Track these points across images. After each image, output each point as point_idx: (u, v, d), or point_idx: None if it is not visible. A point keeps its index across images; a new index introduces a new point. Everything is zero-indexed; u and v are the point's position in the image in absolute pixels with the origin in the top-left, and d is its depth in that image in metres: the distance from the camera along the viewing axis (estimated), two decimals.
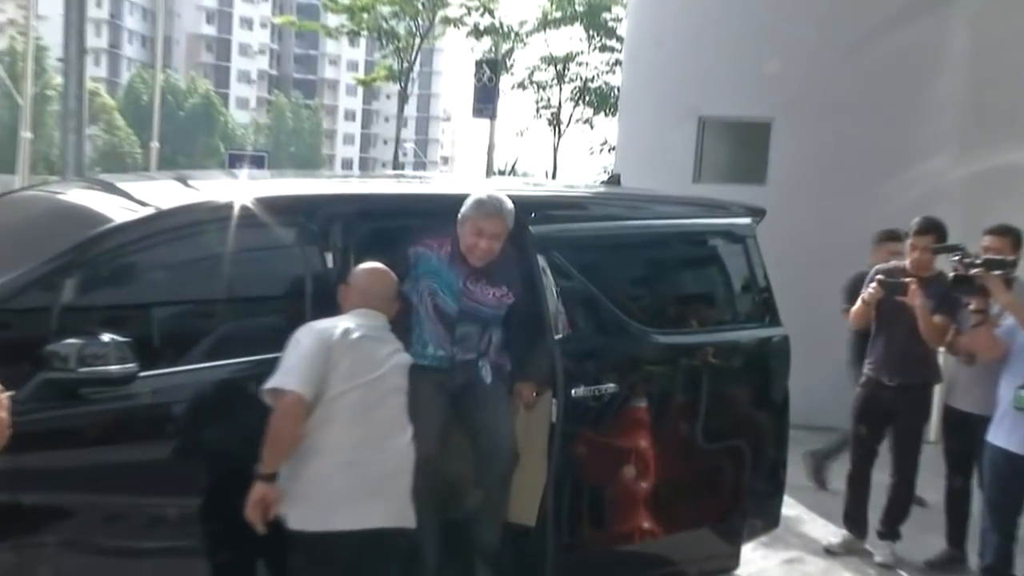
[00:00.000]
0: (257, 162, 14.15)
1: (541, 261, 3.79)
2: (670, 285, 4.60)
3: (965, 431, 4.97)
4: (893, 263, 5.29)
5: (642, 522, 4.06)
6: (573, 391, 3.73)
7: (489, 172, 20.98)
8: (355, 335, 3.17)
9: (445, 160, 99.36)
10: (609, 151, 27.94)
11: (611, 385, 3.85)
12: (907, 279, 5.03)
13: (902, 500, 5.27)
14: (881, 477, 5.32)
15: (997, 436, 4.58)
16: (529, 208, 3.89)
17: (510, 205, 3.67)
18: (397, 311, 3.43)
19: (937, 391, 5.45)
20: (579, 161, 62.72)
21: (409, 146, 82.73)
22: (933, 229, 5.09)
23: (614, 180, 5.23)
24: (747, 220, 4.63)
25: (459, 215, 3.66)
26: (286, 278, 3.52)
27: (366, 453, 3.12)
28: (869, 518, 5.37)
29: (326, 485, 3.07)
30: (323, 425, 3.09)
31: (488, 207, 3.62)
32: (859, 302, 5.23)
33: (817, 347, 7.76)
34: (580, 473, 3.87)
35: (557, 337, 3.76)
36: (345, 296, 3.35)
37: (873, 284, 5.12)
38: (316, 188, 4.08)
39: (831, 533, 5.58)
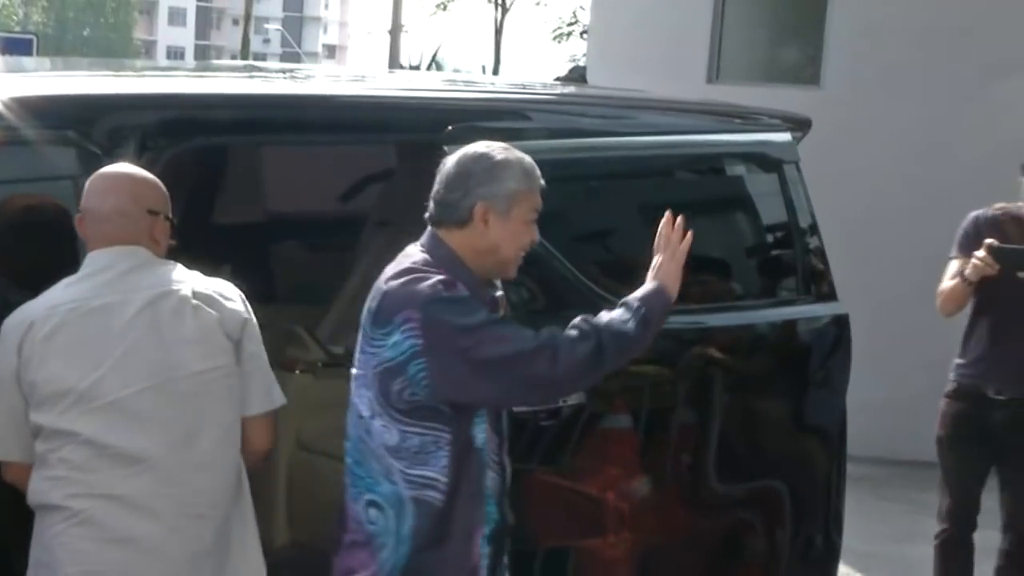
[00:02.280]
0: (21, 48, 13.94)
1: None
2: None
3: None
4: (1000, 207, 5.19)
5: None
6: None
7: (393, 65, 20.89)
8: (44, 329, 3.01)
9: (329, 50, 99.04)
10: (581, 35, 28.03)
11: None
12: None
13: (1020, 571, 5.33)
14: (986, 537, 5.37)
15: None
16: (447, 118, 3.91)
17: None
18: (168, 242, 3.22)
19: None
20: (535, 50, 62.67)
21: (273, 29, 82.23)
22: None
23: (577, 76, 5.23)
24: (784, 136, 4.65)
25: (485, 191, 3.31)
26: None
27: (100, 504, 3.03)
28: None
29: (60, 550, 3.04)
30: (39, 465, 3.08)
31: (535, 170, 3.43)
32: (950, 278, 5.12)
33: (894, 337, 7.93)
34: (522, 535, 3.81)
35: None
36: (81, 229, 3.20)
37: (979, 253, 4.94)
38: (100, 86, 4.01)
39: None
